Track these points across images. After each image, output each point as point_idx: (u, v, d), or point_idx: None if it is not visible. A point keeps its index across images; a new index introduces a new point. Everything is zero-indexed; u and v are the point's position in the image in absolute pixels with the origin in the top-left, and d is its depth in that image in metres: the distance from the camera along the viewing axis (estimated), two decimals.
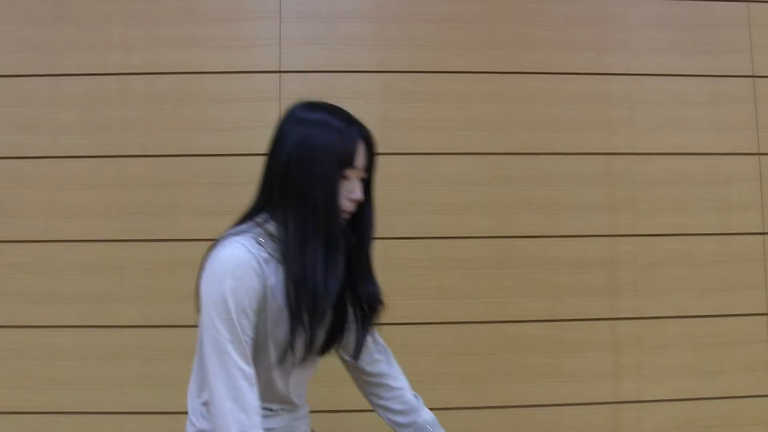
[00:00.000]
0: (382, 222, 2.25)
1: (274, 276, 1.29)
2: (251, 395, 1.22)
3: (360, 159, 1.35)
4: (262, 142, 2.26)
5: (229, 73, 2.28)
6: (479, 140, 2.31)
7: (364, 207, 1.40)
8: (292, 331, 1.28)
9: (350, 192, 1.34)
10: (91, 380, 2.17)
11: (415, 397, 1.55)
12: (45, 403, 2.15)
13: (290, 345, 1.29)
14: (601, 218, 2.32)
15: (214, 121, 2.26)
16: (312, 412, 1.54)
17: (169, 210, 2.22)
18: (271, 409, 1.37)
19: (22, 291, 2.19)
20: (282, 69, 2.29)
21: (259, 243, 1.30)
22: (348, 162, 1.32)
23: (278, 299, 1.29)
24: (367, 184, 1.40)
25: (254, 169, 2.25)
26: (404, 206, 2.23)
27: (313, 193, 1.29)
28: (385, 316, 2.20)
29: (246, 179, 2.25)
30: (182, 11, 2.29)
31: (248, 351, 1.25)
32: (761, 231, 2.36)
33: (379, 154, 1.45)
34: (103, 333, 2.18)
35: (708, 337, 2.29)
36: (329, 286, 1.27)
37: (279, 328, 1.31)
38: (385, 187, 2.25)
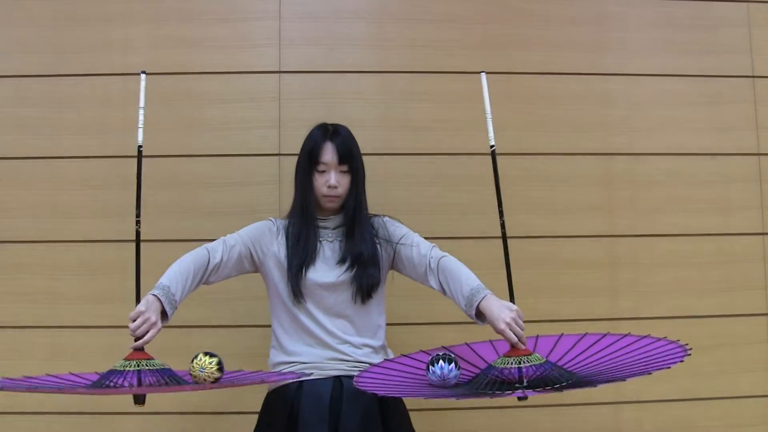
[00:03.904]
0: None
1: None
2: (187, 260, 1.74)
3: (326, 156, 1.80)
4: (262, 142, 2.28)
5: (229, 73, 2.28)
6: (479, 140, 2.30)
7: (350, 192, 1.83)
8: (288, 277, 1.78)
9: (326, 181, 1.79)
10: None
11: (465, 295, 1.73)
12: (45, 403, 2.14)
13: (291, 288, 1.77)
14: (601, 218, 2.32)
15: (214, 121, 2.26)
16: None
17: (169, 210, 2.22)
18: (303, 342, 1.77)
19: (22, 291, 2.19)
20: (282, 69, 2.29)
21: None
22: (314, 159, 1.80)
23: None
24: (352, 175, 1.83)
25: (254, 169, 2.27)
26: (404, 206, 2.23)
27: (296, 186, 1.87)
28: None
29: (246, 179, 2.26)
30: (182, 11, 2.29)
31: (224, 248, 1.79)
32: (761, 231, 2.36)
33: (362, 152, 1.85)
34: (103, 333, 2.18)
35: (708, 337, 2.29)
36: (299, 247, 1.79)
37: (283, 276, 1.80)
38: (385, 187, 2.25)
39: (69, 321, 2.18)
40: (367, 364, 1.75)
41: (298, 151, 2.22)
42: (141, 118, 1.65)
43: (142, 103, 1.66)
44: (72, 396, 2.14)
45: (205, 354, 1.53)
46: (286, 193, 2.24)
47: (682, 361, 1.47)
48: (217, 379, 1.52)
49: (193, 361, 1.53)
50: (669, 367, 1.45)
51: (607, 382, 1.48)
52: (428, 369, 1.57)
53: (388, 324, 1.89)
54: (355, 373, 1.69)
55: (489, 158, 2.29)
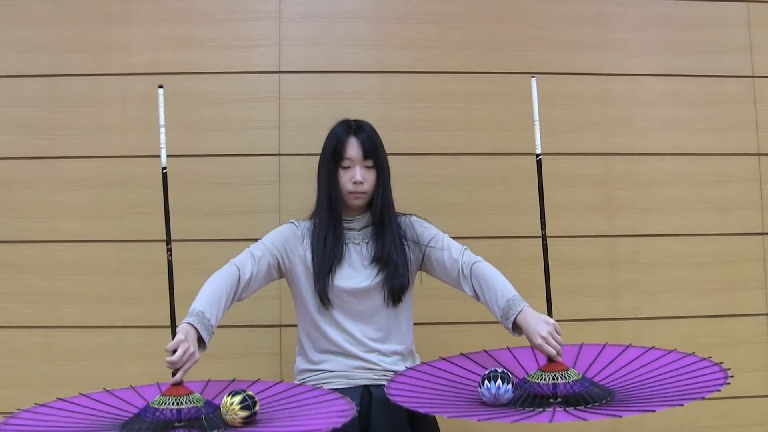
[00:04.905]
0: None
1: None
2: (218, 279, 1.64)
3: (350, 151, 1.73)
4: (262, 142, 2.28)
5: (229, 73, 2.28)
6: (479, 140, 2.31)
7: (376, 189, 1.76)
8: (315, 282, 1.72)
9: (351, 177, 1.73)
10: (90, 380, 2.16)
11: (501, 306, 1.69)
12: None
13: (318, 295, 1.72)
14: (601, 218, 2.32)
15: (214, 121, 2.26)
16: None
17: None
18: (328, 352, 1.73)
19: (22, 291, 2.19)
20: (282, 69, 2.29)
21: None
22: (338, 155, 1.74)
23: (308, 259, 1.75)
24: (378, 171, 1.77)
25: (254, 169, 2.26)
26: (404, 206, 2.23)
27: (320, 186, 1.79)
28: None
29: (246, 179, 2.26)
30: (182, 11, 2.29)
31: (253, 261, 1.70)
32: (761, 231, 2.36)
33: (375, 145, 1.76)
34: (103, 333, 2.18)
35: (708, 337, 2.29)
36: (326, 250, 1.73)
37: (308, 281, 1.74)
38: None
39: (68, 321, 2.18)
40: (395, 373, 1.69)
41: (298, 151, 2.24)
42: (162, 138, 1.49)
43: (162, 121, 1.47)
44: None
45: (229, 394, 1.39)
46: (285, 193, 2.24)
47: (719, 390, 1.44)
48: (246, 419, 1.38)
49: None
50: (702, 398, 1.43)
51: (638, 412, 1.44)
52: (482, 384, 1.50)
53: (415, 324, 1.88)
54: (384, 383, 1.63)
55: (488, 158, 2.31)
